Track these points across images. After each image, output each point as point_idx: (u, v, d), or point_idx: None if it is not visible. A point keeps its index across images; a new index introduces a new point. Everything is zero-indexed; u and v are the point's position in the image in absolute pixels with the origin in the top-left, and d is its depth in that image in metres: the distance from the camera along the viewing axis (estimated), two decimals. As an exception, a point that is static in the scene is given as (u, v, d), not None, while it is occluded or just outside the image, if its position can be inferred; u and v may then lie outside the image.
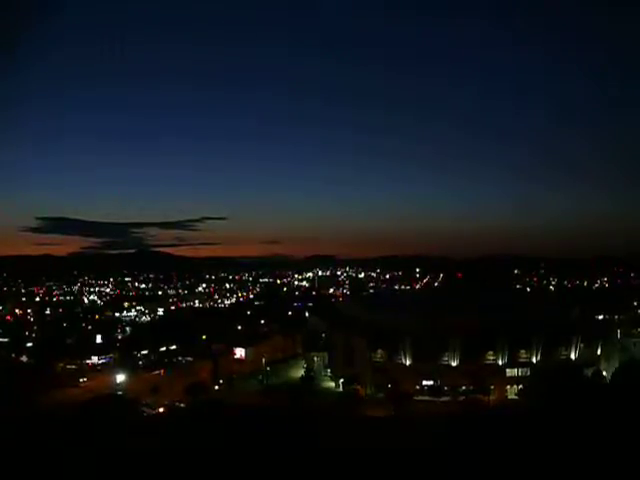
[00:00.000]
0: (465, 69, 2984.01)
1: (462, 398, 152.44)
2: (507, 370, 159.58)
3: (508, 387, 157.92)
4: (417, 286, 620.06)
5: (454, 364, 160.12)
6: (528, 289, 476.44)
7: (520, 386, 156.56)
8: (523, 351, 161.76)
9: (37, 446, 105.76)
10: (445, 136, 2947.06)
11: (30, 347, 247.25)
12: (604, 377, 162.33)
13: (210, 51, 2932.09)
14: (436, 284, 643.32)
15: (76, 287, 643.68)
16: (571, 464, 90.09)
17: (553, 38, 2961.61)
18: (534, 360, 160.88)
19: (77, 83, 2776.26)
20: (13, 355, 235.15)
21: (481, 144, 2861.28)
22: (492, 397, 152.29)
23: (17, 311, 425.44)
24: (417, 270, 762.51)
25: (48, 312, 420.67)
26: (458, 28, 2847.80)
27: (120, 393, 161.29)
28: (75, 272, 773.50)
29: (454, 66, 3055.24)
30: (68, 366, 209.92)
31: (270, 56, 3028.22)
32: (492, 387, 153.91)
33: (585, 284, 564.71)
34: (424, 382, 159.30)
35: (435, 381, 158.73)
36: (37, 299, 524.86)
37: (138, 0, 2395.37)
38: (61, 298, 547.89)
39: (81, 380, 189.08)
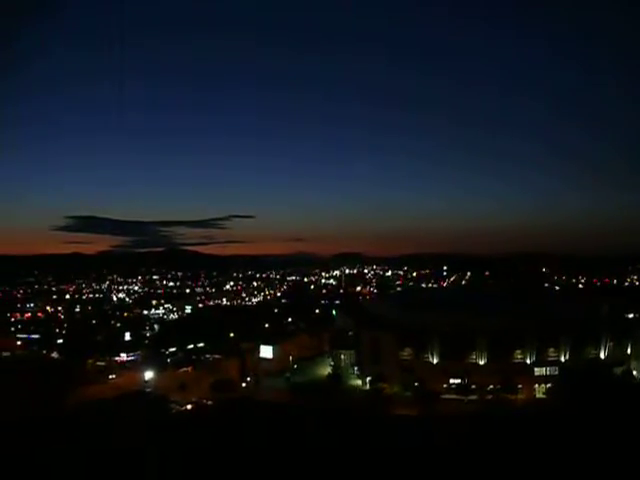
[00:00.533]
0: (479, 66, 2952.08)
1: (490, 397, 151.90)
2: (535, 369, 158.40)
3: (536, 386, 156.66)
4: (444, 284, 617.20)
5: (482, 363, 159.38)
6: (556, 287, 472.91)
7: (548, 385, 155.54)
8: (551, 350, 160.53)
9: (67, 441, 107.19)
10: (469, 134, 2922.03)
11: (60, 344, 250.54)
12: (634, 376, 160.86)
13: (231, 49, 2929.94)
14: (463, 282, 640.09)
15: (105, 285, 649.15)
16: (600, 463, 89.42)
17: (569, 32, 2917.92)
18: (563, 359, 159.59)
19: (102, 81, 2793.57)
20: (44, 351, 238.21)
21: (503, 141, 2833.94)
22: (520, 396, 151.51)
23: (48, 308, 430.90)
24: (444, 268, 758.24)
25: (78, 310, 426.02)
26: (470, 26, 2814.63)
27: (148, 390, 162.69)
28: (104, 270, 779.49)
29: (467, 63, 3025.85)
30: (97, 363, 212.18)
31: (291, 55, 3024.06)
32: (520, 386, 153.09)
33: (615, 282, 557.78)
34: (451, 381, 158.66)
35: (462, 380, 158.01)
36: (67, 297, 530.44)
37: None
38: (90, 296, 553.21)
39: (110, 377, 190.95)
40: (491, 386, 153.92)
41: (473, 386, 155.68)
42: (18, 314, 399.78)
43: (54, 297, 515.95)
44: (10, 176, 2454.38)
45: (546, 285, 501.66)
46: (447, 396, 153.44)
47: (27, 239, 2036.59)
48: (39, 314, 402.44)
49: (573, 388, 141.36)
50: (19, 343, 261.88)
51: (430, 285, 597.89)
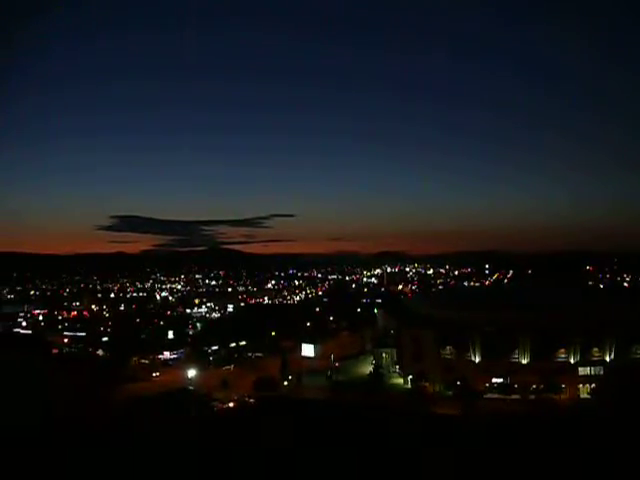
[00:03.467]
0: (522, 64, 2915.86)
1: (532, 397, 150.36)
2: (579, 368, 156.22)
3: (580, 386, 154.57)
4: (487, 282, 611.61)
5: (524, 362, 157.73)
6: (601, 286, 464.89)
7: (593, 385, 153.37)
8: (596, 349, 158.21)
9: (113, 438, 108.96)
10: (510, 132, 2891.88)
11: (106, 342, 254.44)
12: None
13: (274, 44, 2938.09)
14: (506, 280, 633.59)
15: (148, 284, 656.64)
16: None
17: (610, 29, 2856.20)
18: (607, 359, 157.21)
19: (141, 79, 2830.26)
20: (90, 349, 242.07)
21: (545, 139, 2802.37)
22: (564, 396, 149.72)
23: (93, 307, 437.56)
24: (487, 266, 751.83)
25: (122, 308, 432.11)
26: (518, 25, 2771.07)
27: (191, 388, 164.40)
28: (148, 269, 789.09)
29: (510, 61, 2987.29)
30: (141, 361, 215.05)
31: (338, 51, 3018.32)
32: (563, 386, 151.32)
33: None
34: (494, 380, 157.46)
35: (505, 379, 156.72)
36: (112, 295, 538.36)
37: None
38: (134, 294, 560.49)
39: (153, 374, 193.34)
40: (534, 386, 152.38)
41: (515, 385, 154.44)
42: (65, 312, 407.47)
43: (99, 296, 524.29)
44: (56, 177, 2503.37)
45: (590, 283, 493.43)
46: (489, 395, 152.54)
47: (73, 239, 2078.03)
48: (85, 312, 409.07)
49: (618, 388, 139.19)
50: (66, 341, 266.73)
51: (472, 283, 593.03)
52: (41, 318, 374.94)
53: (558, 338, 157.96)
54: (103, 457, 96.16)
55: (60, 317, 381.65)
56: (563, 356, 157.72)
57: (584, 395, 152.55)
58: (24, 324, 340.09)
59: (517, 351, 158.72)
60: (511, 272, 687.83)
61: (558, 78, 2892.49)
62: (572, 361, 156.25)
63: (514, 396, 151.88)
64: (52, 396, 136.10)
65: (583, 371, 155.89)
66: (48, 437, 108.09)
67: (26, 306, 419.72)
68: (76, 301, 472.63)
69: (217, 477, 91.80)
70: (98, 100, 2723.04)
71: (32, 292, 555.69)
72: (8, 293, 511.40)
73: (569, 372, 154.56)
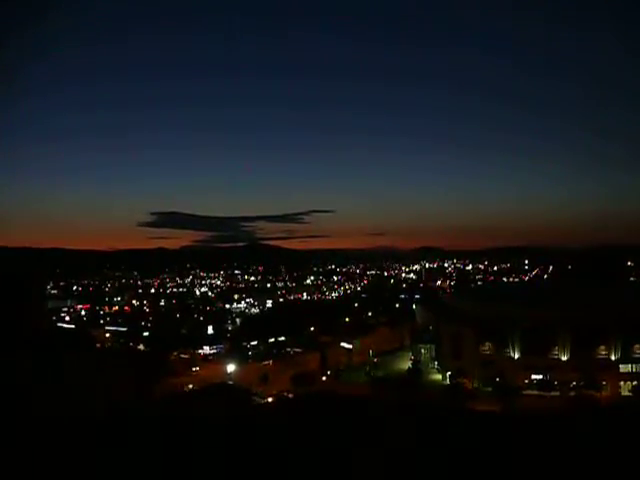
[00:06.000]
0: (558, 62, 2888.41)
1: (573, 394, 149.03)
2: (620, 365, 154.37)
3: (621, 383, 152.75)
4: (526, 278, 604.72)
5: (564, 358, 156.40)
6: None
7: (634, 382, 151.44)
8: (637, 346, 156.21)
9: (153, 431, 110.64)
10: (549, 127, 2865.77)
11: (146, 337, 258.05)
12: None
13: (318, 42, 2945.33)
14: (546, 276, 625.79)
15: (188, 279, 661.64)
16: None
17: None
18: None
19: (181, 77, 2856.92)
20: (131, 344, 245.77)
21: (583, 136, 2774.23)
22: (604, 393, 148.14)
23: (134, 302, 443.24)
24: (526, 262, 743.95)
25: (162, 303, 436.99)
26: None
27: (231, 382, 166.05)
28: (187, 265, 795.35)
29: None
30: (181, 355, 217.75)
31: (377, 47, 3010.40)
32: (604, 383, 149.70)
33: None
34: (533, 376, 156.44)
35: (544, 375, 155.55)
36: (152, 291, 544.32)
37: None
38: (174, 290, 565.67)
39: (193, 369, 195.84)
40: (574, 382, 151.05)
41: (555, 382, 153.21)
42: (107, 307, 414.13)
43: (140, 291, 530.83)
44: (98, 175, 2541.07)
45: (632, 279, 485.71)
46: (529, 392, 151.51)
47: (115, 235, 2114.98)
48: (126, 307, 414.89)
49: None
50: (108, 335, 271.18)
51: (511, 279, 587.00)
52: (83, 313, 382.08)
53: (599, 334, 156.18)
54: (148, 449, 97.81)
55: (102, 312, 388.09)
56: (604, 353, 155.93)
57: (625, 393, 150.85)
58: (67, 319, 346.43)
59: (557, 347, 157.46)
60: (551, 267, 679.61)
61: (592, 74, 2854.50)
62: (613, 358, 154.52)
63: (554, 393, 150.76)
64: (98, 389, 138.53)
65: (624, 368, 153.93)
66: (96, 429, 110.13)
67: (69, 301, 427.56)
68: (117, 296, 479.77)
69: (261, 471, 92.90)
70: (140, 97, 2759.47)
71: (75, 287, 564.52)
72: (52, 288, 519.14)
73: (610, 369, 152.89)
